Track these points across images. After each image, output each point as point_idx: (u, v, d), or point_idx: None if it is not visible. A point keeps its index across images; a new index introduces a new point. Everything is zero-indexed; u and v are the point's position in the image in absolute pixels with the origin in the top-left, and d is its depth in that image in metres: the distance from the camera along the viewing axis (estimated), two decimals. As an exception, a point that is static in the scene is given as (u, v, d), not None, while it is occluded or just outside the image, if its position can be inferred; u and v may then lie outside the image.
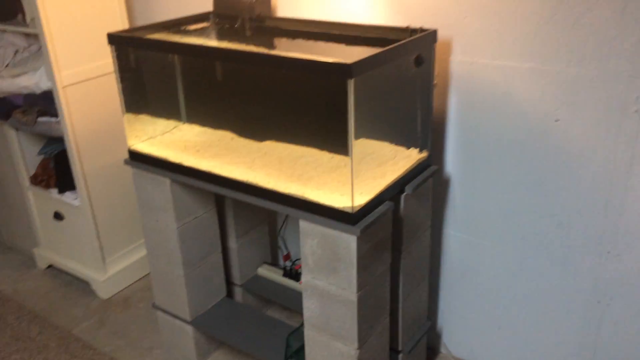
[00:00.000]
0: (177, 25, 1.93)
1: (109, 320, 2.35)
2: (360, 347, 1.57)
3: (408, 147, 1.67)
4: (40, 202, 2.59)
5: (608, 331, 1.66)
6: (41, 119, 2.34)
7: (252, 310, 2.12)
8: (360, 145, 1.40)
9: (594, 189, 1.55)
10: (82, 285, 2.56)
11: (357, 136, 1.37)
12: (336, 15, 1.83)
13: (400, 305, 1.75)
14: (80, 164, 2.27)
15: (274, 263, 2.36)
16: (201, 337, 2.06)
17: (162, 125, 1.94)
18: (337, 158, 1.60)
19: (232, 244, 2.14)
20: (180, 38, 1.87)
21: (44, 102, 2.30)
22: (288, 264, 2.20)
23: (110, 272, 2.49)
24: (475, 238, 1.83)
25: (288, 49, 1.85)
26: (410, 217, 1.67)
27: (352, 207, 1.42)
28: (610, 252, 1.58)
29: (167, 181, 1.80)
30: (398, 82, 1.57)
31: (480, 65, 1.63)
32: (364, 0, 1.76)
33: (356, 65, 1.29)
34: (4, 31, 2.33)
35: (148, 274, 2.60)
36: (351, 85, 1.30)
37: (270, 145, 1.76)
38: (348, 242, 1.45)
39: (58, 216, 2.52)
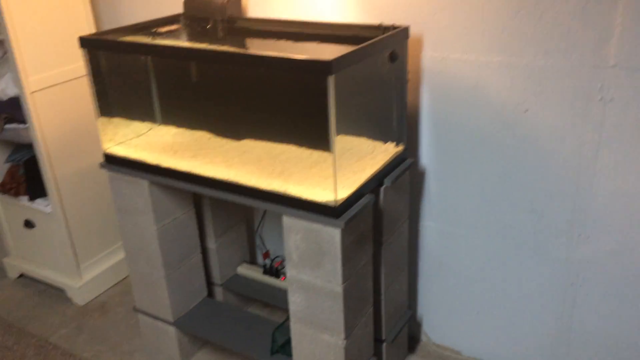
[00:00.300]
0: (147, 27, 1.93)
1: (87, 327, 2.33)
2: (346, 337, 1.61)
3: (385, 142, 1.71)
4: (9, 210, 2.54)
5: (581, 311, 1.74)
6: (8, 126, 2.30)
7: (234, 308, 2.14)
8: (340, 141, 1.44)
9: (564, 175, 1.62)
10: (56, 293, 2.52)
11: (337, 132, 1.40)
12: (307, 15, 1.86)
13: (382, 295, 1.79)
14: (51, 170, 2.24)
15: (252, 262, 2.37)
16: (184, 337, 2.07)
17: (137, 127, 1.93)
18: (317, 154, 1.62)
19: (211, 244, 2.14)
20: (152, 40, 1.87)
21: (11, 109, 2.26)
22: (267, 261, 2.22)
23: (85, 278, 2.46)
24: (451, 228, 1.89)
25: (263, 49, 1.87)
26: (390, 209, 1.71)
27: (335, 200, 1.45)
28: (580, 235, 1.65)
29: (145, 183, 1.80)
30: (373, 79, 1.61)
31: (451, 60, 1.68)
32: (334, 0, 1.80)
33: (336, 62, 1.32)
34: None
35: (124, 278, 2.59)
36: (331, 81, 1.33)
37: (248, 144, 1.77)
38: (332, 235, 1.48)
39: (29, 224, 2.48)
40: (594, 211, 1.61)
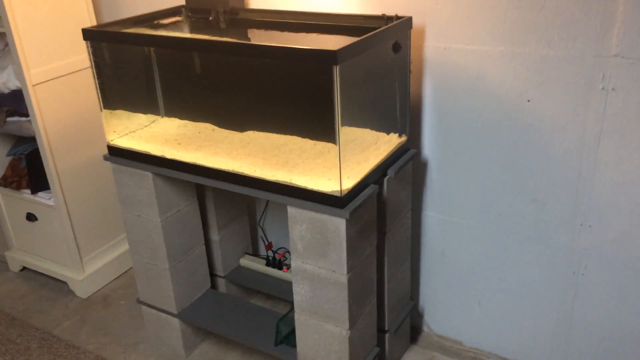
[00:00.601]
0: (149, 20, 1.93)
1: (90, 319, 2.33)
2: (350, 327, 1.62)
3: (388, 132, 1.72)
4: (11, 203, 2.54)
5: (583, 300, 1.76)
6: (10, 119, 2.30)
7: (238, 300, 2.15)
8: (344, 132, 1.45)
9: (566, 165, 1.63)
10: (59, 286, 2.53)
11: (342, 123, 1.41)
12: (309, 5, 1.86)
13: (385, 286, 1.81)
14: (53, 163, 2.24)
15: (255, 254, 2.38)
16: (188, 329, 2.08)
17: (140, 119, 1.94)
18: (321, 145, 1.63)
19: (214, 236, 2.15)
20: (156, 32, 1.87)
21: (13, 102, 2.27)
22: (270, 253, 2.23)
23: (88, 271, 2.46)
24: (453, 218, 1.90)
25: (267, 40, 1.87)
26: (393, 199, 1.72)
27: (341, 191, 1.46)
28: (582, 224, 1.67)
29: (149, 175, 1.81)
30: (377, 69, 1.62)
31: (454, 50, 1.69)
32: (338, -10, 1.80)
33: (341, 52, 1.33)
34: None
35: (127, 271, 2.59)
36: (337, 71, 1.34)
37: (252, 135, 1.78)
38: (337, 225, 1.49)
39: (31, 217, 2.48)
40: (596, 200, 1.62)
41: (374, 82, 1.62)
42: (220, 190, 2.04)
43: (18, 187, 2.46)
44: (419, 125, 1.83)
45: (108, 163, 1.88)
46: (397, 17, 1.63)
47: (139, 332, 2.23)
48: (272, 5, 1.94)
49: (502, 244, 1.83)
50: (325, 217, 1.50)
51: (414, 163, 1.86)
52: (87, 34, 1.74)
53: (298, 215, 1.55)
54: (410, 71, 1.71)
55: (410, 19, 1.64)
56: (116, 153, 1.85)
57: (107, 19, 2.37)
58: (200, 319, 2.02)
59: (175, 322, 2.04)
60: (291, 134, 1.70)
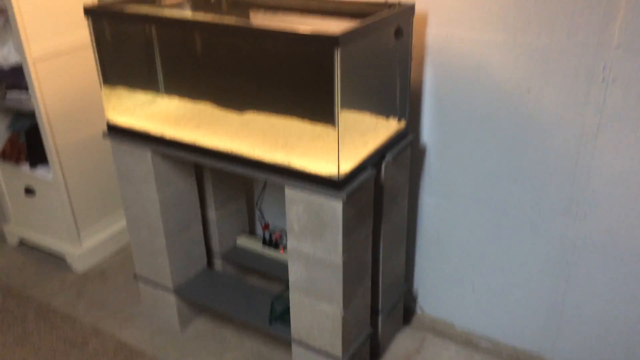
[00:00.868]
0: (151, -2, 1.93)
1: (87, 293, 2.36)
2: (345, 308, 1.64)
3: (387, 117, 1.73)
4: (9, 177, 2.55)
5: (575, 289, 1.78)
6: (10, 94, 2.30)
7: (233, 278, 2.17)
8: (344, 116, 1.45)
9: (564, 155, 1.65)
10: (56, 260, 2.55)
11: (342, 106, 1.42)
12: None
13: (380, 268, 1.83)
14: (52, 139, 2.25)
15: (252, 233, 2.40)
16: (183, 305, 2.11)
17: (140, 98, 1.94)
18: (320, 127, 1.64)
19: (212, 215, 2.17)
20: (157, 11, 1.87)
21: (13, 76, 2.26)
22: (267, 233, 2.25)
23: (85, 246, 2.48)
24: (449, 204, 1.92)
25: (268, 23, 1.87)
26: (390, 183, 1.74)
27: (338, 173, 1.48)
28: (577, 214, 1.69)
29: (148, 153, 1.82)
30: (378, 54, 1.62)
31: (455, 38, 1.69)
32: (342, -27, 1.79)
33: (343, 36, 1.33)
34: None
35: (124, 246, 2.61)
36: (338, 54, 1.34)
37: (251, 116, 1.79)
38: (334, 207, 1.51)
39: (29, 191, 2.49)
40: (592, 190, 1.64)
41: (375, 67, 1.63)
42: (218, 170, 2.05)
43: (17, 162, 2.47)
44: (419, 111, 1.84)
45: (107, 140, 1.88)
46: (400, 4, 1.63)
47: (135, 306, 2.26)
48: (275, -14, 1.93)
49: (497, 230, 1.86)
50: (322, 199, 1.51)
51: (413, 148, 1.87)
52: (88, 10, 1.74)
53: (295, 197, 1.57)
54: (411, 57, 1.71)
55: (413, 5, 1.64)
56: (115, 130, 1.86)
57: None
58: (195, 295, 2.04)
59: (171, 297, 2.06)
60: (291, 116, 1.70)
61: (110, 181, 2.47)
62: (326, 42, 1.35)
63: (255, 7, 1.94)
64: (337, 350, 1.72)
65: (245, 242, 2.27)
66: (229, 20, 1.87)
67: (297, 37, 1.40)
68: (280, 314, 1.87)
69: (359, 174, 1.56)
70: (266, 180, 1.83)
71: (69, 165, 2.33)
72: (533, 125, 1.66)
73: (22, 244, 2.68)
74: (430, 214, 1.98)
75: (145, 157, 1.83)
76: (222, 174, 2.12)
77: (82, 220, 2.45)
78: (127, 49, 1.91)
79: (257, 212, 2.36)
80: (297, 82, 1.63)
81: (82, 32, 2.22)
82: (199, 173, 2.07)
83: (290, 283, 1.71)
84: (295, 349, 1.82)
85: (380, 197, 1.72)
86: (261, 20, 1.93)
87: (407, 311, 2.15)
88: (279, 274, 2.10)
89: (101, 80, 1.83)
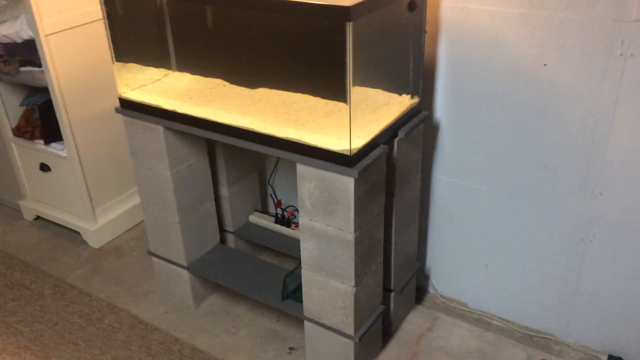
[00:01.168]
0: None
1: (102, 269, 2.39)
2: (356, 285, 1.64)
3: (400, 93, 1.70)
4: (24, 153, 2.57)
5: (590, 267, 1.76)
6: (23, 69, 2.30)
7: (246, 255, 2.18)
8: (356, 91, 1.43)
9: (580, 131, 1.62)
10: (72, 236, 2.58)
11: (354, 82, 1.40)
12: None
13: (392, 246, 1.82)
14: (66, 114, 2.26)
15: (264, 211, 2.40)
16: (197, 281, 2.12)
17: (152, 73, 1.93)
18: (332, 104, 1.63)
19: (224, 192, 2.17)
20: (169, -16, 1.85)
21: (26, 51, 2.27)
22: (279, 211, 2.25)
23: (100, 222, 2.51)
24: (463, 181, 1.90)
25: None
26: (403, 161, 1.72)
27: (350, 150, 1.46)
28: (593, 191, 1.66)
29: (161, 128, 1.82)
30: (391, 28, 1.59)
31: (471, 11, 1.66)
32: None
33: (355, 9, 1.31)
34: (-19, -23, 2.27)
35: (139, 223, 2.63)
36: (350, 28, 1.32)
37: (263, 92, 1.77)
38: (346, 184, 1.50)
39: (44, 167, 2.51)
40: (608, 168, 1.61)
41: (388, 41, 1.60)
42: (230, 147, 2.05)
43: (32, 137, 2.48)
44: (432, 87, 1.82)
45: (120, 116, 1.89)
46: (414, -25, 1.60)
47: (150, 282, 2.28)
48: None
49: (511, 208, 1.83)
50: (334, 175, 1.50)
51: (426, 125, 1.85)
52: (100, -16, 1.73)
53: (307, 173, 1.56)
54: (425, 31, 1.68)
55: (427, -24, 1.60)
56: (128, 106, 1.86)
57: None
58: (209, 272, 2.06)
59: (185, 274, 2.08)
60: (302, 92, 1.69)
61: (125, 157, 2.48)
62: (338, 15, 1.33)
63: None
64: (350, 328, 1.72)
65: (257, 219, 2.27)
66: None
67: (309, 9, 1.38)
68: (293, 291, 1.87)
69: (371, 150, 1.55)
70: (278, 156, 1.82)
71: (83, 141, 2.34)
72: (549, 101, 1.63)
73: (38, 219, 2.71)
74: (443, 192, 1.96)
75: (157, 133, 1.83)
76: (234, 151, 2.11)
77: (97, 196, 2.47)
78: (139, 24, 1.90)
79: (269, 189, 2.36)
80: (309, 57, 1.61)
81: (94, 6, 2.20)
82: (211, 150, 2.07)
83: (302, 260, 1.71)
84: (307, 326, 1.83)
85: (393, 174, 1.70)
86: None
87: (419, 290, 2.14)
88: (291, 251, 2.10)
89: (113, 55, 1.82)
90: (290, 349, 1.97)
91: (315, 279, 1.71)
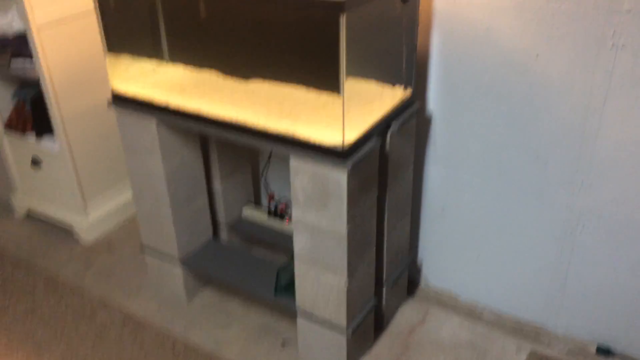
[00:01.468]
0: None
1: (94, 264, 2.38)
2: (349, 278, 1.64)
3: (393, 85, 1.70)
4: (16, 148, 2.55)
5: (579, 258, 1.77)
6: (15, 61, 2.29)
7: (239, 249, 2.18)
8: (349, 83, 1.43)
9: (571, 123, 1.62)
10: (63, 231, 2.56)
11: (347, 74, 1.40)
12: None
13: (385, 238, 1.82)
14: (57, 108, 2.24)
15: (257, 204, 2.40)
16: (189, 275, 2.12)
17: (145, 65, 1.92)
18: (325, 96, 1.62)
19: (217, 185, 2.16)
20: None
21: (17, 44, 2.25)
22: (272, 204, 2.24)
23: (92, 217, 2.49)
24: (455, 174, 1.90)
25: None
26: (396, 153, 1.72)
27: (343, 143, 1.46)
28: (583, 183, 1.67)
29: (153, 122, 1.81)
30: (384, 20, 1.59)
31: (464, 3, 1.66)
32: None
33: (349, 0, 1.31)
34: (-30, -30, 2.25)
35: (130, 217, 2.62)
36: (343, 20, 1.32)
37: (256, 84, 1.76)
38: (338, 177, 1.50)
39: (35, 162, 2.50)
40: (598, 159, 1.62)
41: (381, 33, 1.60)
42: (223, 140, 2.04)
43: (23, 131, 2.47)
44: (425, 79, 1.82)
45: (113, 109, 1.87)
46: (407, -33, 1.60)
47: (142, 277, 2.28)
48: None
49: (502, 200, 1.84)
50: (327, 169, 1.50)
51: (418, 117, 1.85)
52: (91, -24, 1.71)
53: (300, 167, 1.56)
54: (418, 23, 1.68)
55: (420, -31, 1.60)
56: (120, 99, 1.85)
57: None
58: (202, 266, 2.05)
59: (178, 268, 2.07)
60: (296, 83, 1.68)
61: (116, 152, 2.46)
62: (332, 6, 1.32)
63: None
64: (342, 320, 1.72)
65: (250, 213, 2.27)
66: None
67: (303, 0, 1.38)
68: (286, 285, 1.87)
69: (364, 143, 1.55)
70: (271, 150, 1.81)
71: (74, 135, 2.33)
72: (541, 93, 1.63)
73: (30, 214, 2.70)
74: (435, 184, 1.96)
75: (150, 126, 1.82)
76: (227, 145, 2.11)
77: (88, 191, 2.46)
78: (131, 16, 1.88)
79: (262, 183, 2.36)
80: (303, 49, 1.61)
81: (85, -2, 2.20)
82: (204, 144, 2.06)
83: (295, 254, 1.71)
84: (300, 319, 1.83)
85: (385, 167, 1.70)
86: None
87: (411, 283, 2.15)
88: (284, 244, 2.10)
89: (105, 47, 1.81)
90: (283, 342, 1.97)
91: (308, 273, 1.71)
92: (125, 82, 1.86)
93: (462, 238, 1.99)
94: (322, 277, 1.69)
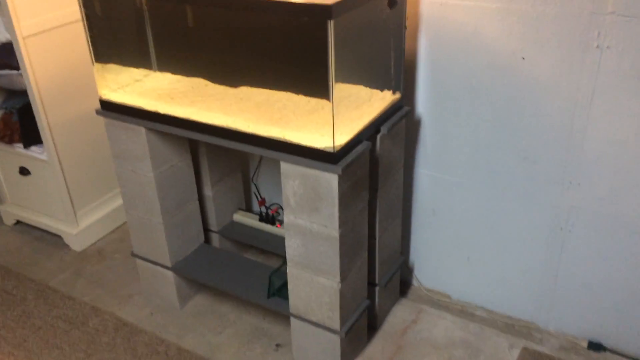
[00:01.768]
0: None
1: (85, 272, 2.37)
2: (341, 280, 1.65)
3: (382, 89, 1.72)
4: (4, 158, 2.54)
5: (569, 256, 1.80)
6: (1, 72, 2.27)
7: (231, 254, 2.18)
8: (338, 88, 1.45)
9: (558, 123, 1.65)
10: (53, 240, 2.55)
11: (336, 79, 1.41)
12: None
13: (377, 241, 1.84)
14: (45, 117, 2.23)
15: (248, 209, 2.40)
16: (181, 282, 2.11)
17: (133, 73, 1.92)
18: (314, 101, 1.63)
19: (208, 191, 2.17)
20: (147, -16, 1.84)
21: (4, 54, 2.24)
22: (263, 209, 2.25)
23: (82, 225, 2.48)
24: (445, 175, 1.92)
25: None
26: (386, 156, 1.73)
27: (334, 147, 1.47)
28: (571, 182, 1.69)
29: (142, 130, 1.81)
30: (372, 25, 1.61)
31: (450, 6, 1.67)
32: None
33: (336, 6, 1.32)
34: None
35: (121, 225, 2.61)
36: (331, 26, 1.33)
37: (245, 91, 1.77)
38: (329, 181, 1.51)
39: (24, 171, 2.48)
40: (585, 158, 1.64)
41: (369, 38, 1.61)
42: (213, 146, 2.05)
43: (10, 141, 2.45)
44: (414, 82, 1.83)
45: (101, 117, 1.87)
46: (393, -28, 1.61)
47: (134, 284, 2.27)
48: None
49: (492, 201, 1.86)
50: (317, 172, 1.51)
51: (408, 120, 1.86)
52: (78, -16, 1.71)
53: (291, 171, 1.56)
54: (405, 27, 1.70)
55: (406, -27, 1.62)
56: (109, 107, 1.85)
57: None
58: (194, 272, 2.05)
59: (170, 274, 2.07)
60: (285, 89, 1.69)
61: (106, 159, 2.46)
62: (319, 13, 1.33)
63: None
64: (335, 323, 1.73)
65: (241, 218, 2.28)
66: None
67: (290, 7, 1.39)
68: (278, 289, 1.88)
69: (354, 147, 1.56)
70: (261, 155, 1.82)
71: (63, 144, 2.32)
72: (527, 94, 1.66)
73: (19, 224, 2.68)
74: (425, 185, 1.98)
75: (139, 134, 1.82)
76: (217, 151, 2.11)
77: (78, 199, 2.44)
78: (118, 24, 1.89)
79: (253, 188, 2.36)
80: (291, 55, 1.62)
81: (72, 7, 2.18)
82: (194, 150, 2.07)
83: (287, 257, 1.72)
84: (293, 322, 1.84)
85: (376, 170, 1.72)
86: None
87: (403, 283, 2.16)
88: (276, 248, 2.11)
89: (92, 56, 1.81)
90: (277, 345, 1.98)
91: (301, 276, 1.72)
92: (114, 90, 1.86)
93: (452, 239, 2.00)
94: (315, 280, 1.70)
